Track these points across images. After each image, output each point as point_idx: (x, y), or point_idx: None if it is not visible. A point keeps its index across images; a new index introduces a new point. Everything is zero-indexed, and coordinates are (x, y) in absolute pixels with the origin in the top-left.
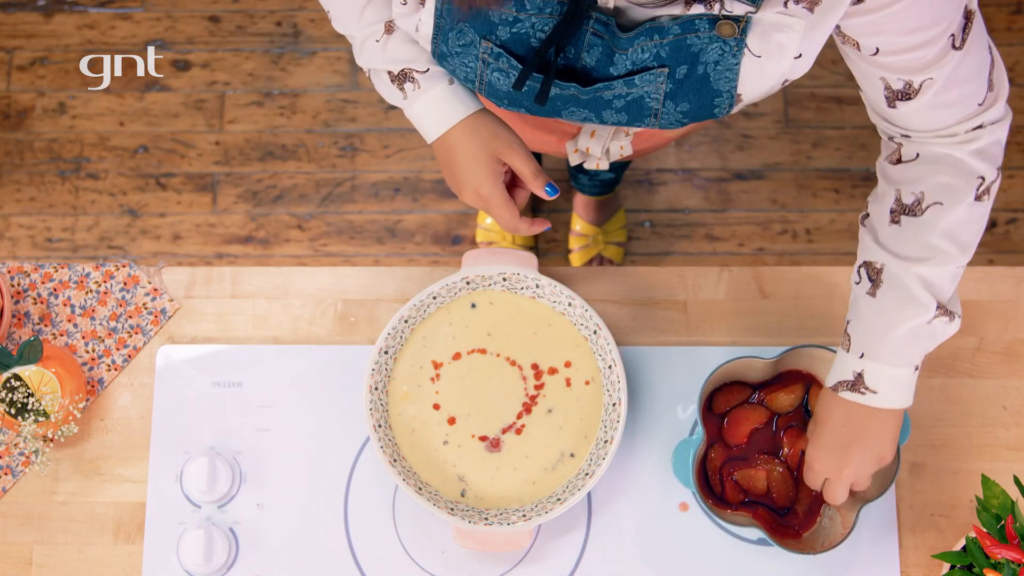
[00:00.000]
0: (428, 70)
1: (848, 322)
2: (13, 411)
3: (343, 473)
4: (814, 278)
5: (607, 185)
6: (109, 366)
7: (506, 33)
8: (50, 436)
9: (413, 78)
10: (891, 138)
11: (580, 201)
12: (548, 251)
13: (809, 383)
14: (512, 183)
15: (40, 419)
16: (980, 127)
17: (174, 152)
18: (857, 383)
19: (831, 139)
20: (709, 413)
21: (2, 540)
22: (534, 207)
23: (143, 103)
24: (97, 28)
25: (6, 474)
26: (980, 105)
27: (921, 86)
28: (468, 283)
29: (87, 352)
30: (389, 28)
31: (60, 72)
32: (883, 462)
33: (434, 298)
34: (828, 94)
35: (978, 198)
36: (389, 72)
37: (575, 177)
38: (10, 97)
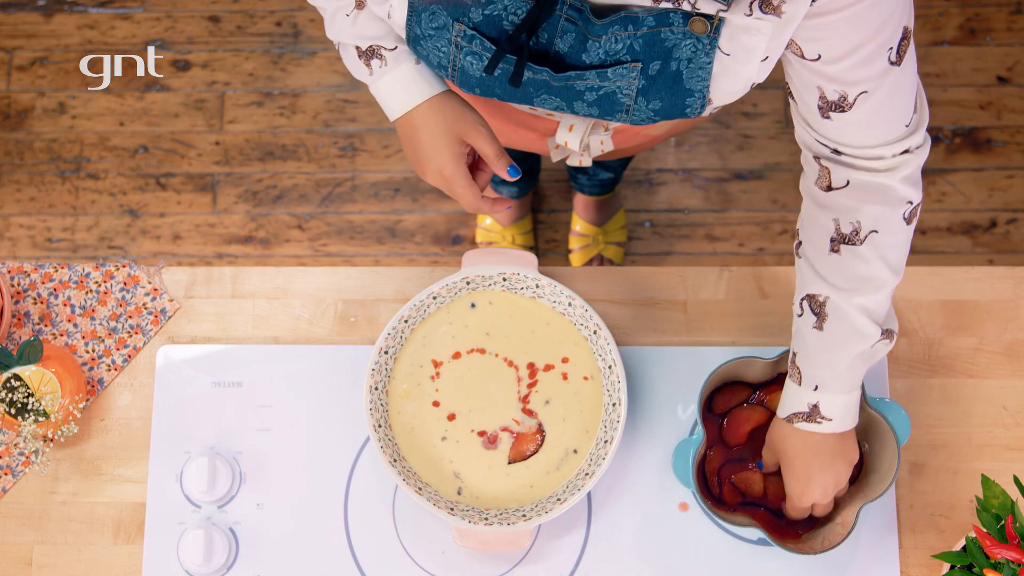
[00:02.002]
0: (396, 48)
1: (795, 354)
2: (13, 411)
3: (343, 473)
4: None
5: (607, 185)
6: (109, 366)
7: (478, 15)
8: (50, 436)
9: (381, 55)
10: (817, 158)
11: (580, 201)
12: (548, 251)
13: None
14: (474, 165)
15: (40, 419)
16: (906, 152)
17: (174, 152)
18: (813, 414)
19: None
20: (709, 413)
21: (2, 540)
22: (534, 208)
23: (143, 103)
24: (97, 28)
25: (6, 474)
26: (907, 127)
27: (856, 99)
28: (468, 283)
29: (87, 352)
30: (360, 3)
31: (60, 72)
32: (842, 482)
33: (434, 298)
34: None
35: (907, 221)
36: (357, 47)
37: (575, 177)
38: (10, 97)
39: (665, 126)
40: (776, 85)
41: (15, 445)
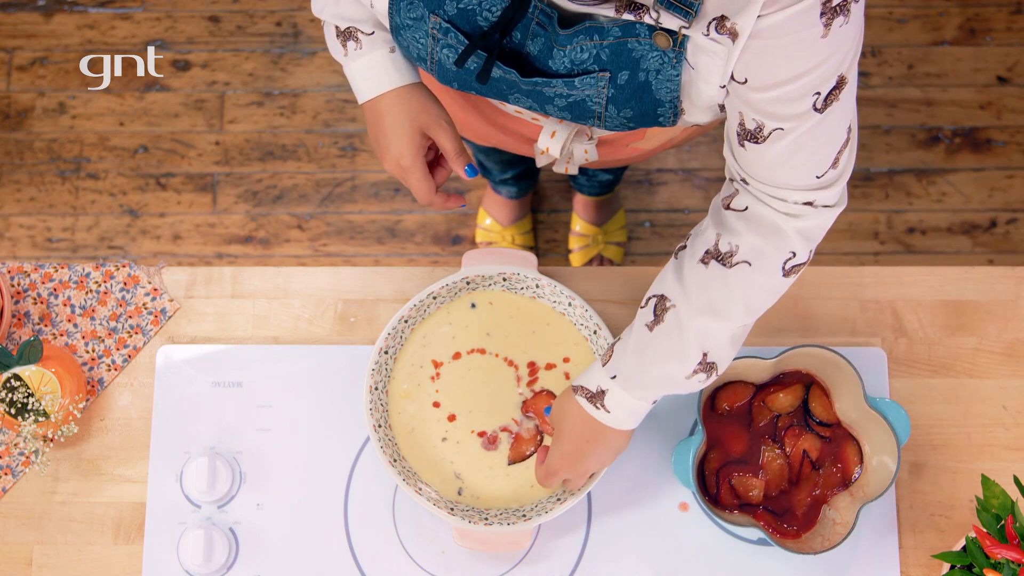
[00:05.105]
0: (373, 33)
1: (619, 338)
2: (13, 411)
3: (343, 473)
4: (814, 278)
5: (606, 185)
6: (109, 366)
7: (453, 8)
8: (50, 436)
9: (357, 38)
10: (731, 180)
11: (580, 201)
12: (548, 251)
13: (809, 383)
14: (436, 161)
15: (40, 419)
16: (810, 204)
17: (174, 152)
18: (597, 397)
19: None
20: (709, 413)
21: (2, 540)
22: (534, 208)
23: (143, 103)
24: (97, 28)
25: (6, 474)
26: (818, 179)
27: (770, 134)
28: (468, 283)
29: (87, 352)
30: None
31: (60, 72)
32: (604, 466)
33: (434, 298)
34: None
35: (785, 274)
36: (336, 27)
37: (574, 177)
38: (10, 97)
39: (659, 140)
40: None
41: (15, 445)
